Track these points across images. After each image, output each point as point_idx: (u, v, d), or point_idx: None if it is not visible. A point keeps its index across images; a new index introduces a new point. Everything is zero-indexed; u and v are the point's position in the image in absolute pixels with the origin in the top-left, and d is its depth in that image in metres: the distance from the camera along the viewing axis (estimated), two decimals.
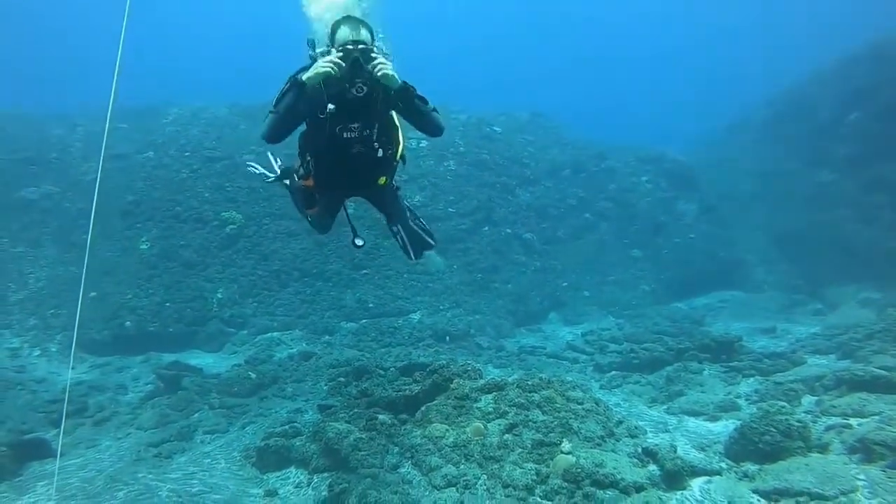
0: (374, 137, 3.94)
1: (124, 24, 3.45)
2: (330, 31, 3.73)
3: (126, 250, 12.96)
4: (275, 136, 3.86)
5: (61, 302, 12.10)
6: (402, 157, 4.26)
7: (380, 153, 3.97)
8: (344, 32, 3.64)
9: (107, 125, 4.49)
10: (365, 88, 3.68)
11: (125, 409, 8.87)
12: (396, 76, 3.68)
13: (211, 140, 16.02)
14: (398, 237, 4.96)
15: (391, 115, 4.05)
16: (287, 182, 4.93)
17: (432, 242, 5.05)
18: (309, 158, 4.18)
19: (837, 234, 13.27)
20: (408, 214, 4.95)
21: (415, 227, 4.95)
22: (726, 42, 49.10)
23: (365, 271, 13.40)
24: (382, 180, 4.23)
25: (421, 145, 16.62)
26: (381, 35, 3.84)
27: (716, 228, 16.10)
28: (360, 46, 3.61)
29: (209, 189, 14.30)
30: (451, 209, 15.04)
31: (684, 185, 17.58)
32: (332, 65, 3.56)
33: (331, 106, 3.67)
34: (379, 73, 3.61)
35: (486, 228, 15.07)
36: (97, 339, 11.28)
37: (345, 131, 3.87)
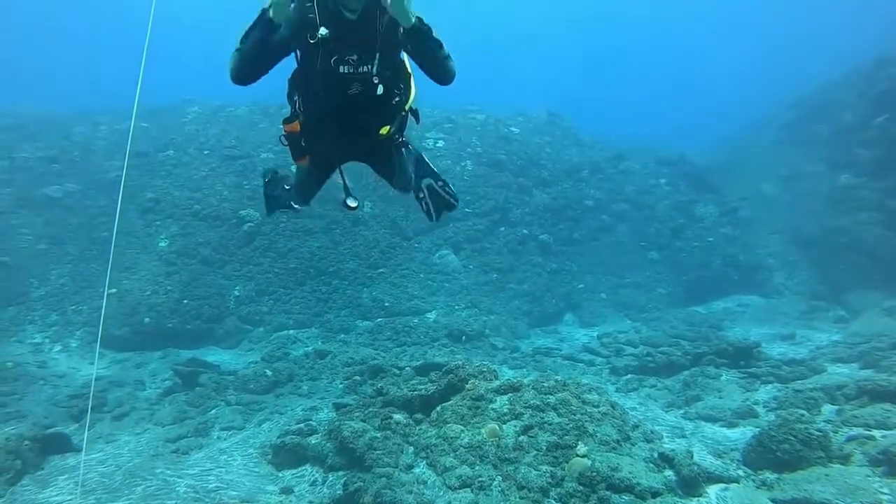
0: (374, 72, 3.29)
1: (149, 26, 3.37)
2: None
3: (145, 247, 13.12)
4: (242, 75, 3.34)
5: (83, 298, 12.27)
6: (413, 110, 3.70)
7: (380, 90, 3.33)
8: None
9: (132, 123, 4.48)
10: (358, 9, 3.10)
11: (143, 405, 8.98)
12: (410, 10, 3.08)
13: (230, 139, 16.16)
14: (421, 200, 4.43)
15: (399, 53, 3.48)
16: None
17: (455, 203, 4.45)
18: (297, 98, 3.57)
19: (861, 240, 13.04)
20: (425, 173, 4.40)
21: (437, 188, 4.39)
22: (747, 43, 48.51)
23: (381, 270, 13.44)
24: (385, 130, 3.54)
25: (438, 145, 16.65)
26: None
27: (735, 231, 15.89)
28: None
29: (228, 187, 14.43)
30: (467, 209, 15.02)
31: (703, 188, 17.40)
32: None
33: (323, 30, 3.08)
34: (388, 1, 3.05)
35: (503, 229, 15.04)
36: (116, 335, 11.42)
37: (341, 64, 3.24)
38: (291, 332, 12.00)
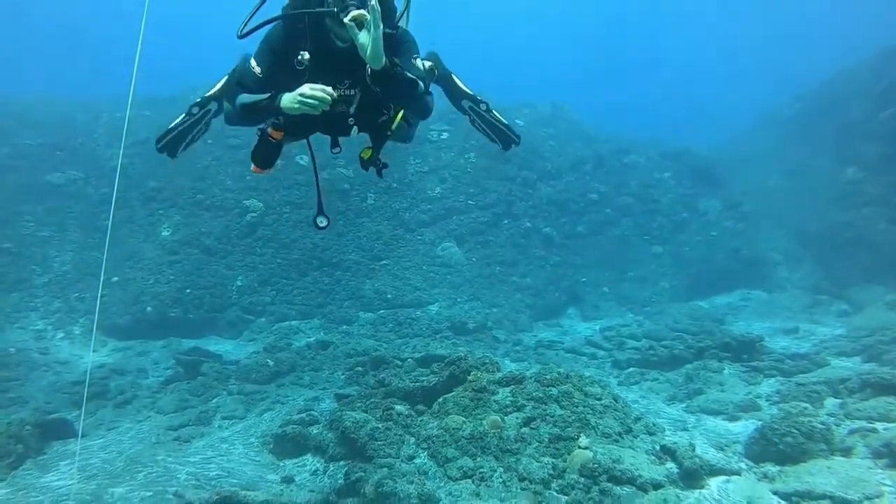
0: (354, 103, 3.15)
1: (145, 14, 3.30)
2: None
3: (148, 236, 13.11)
4: (238, 126, 3.31)
5: (85, 286, 12.28)
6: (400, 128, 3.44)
7: (354, 131, 3.25)
8: None
9: (128, 112, 4.37)
10: (350, 38, 2.86)
11: (145, 393, 8.99)
12: (380, 52, 2.79)
13: (233, 128, 16.08)
14: (476, 126, 4.21)
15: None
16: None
17: (516, 138, 4.21)
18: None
19: (865, 234, 12.98)
20: (460, 95, 4.13)
21: (481, 112, 4.14)
22: (752, 37, 48.26)
23: (384, 262, 13.43)
24: (367, 154, 3.41)
25: (442, 137, 16.59)
26: None
27: (739, 226, 15.84)
28: None
29: (231, 177, 14.40)
30: (470, 202, 14.99)
31: (708, 182, 17.32)
32: (318, 97, 2.84)
33: (305, 55, 2.97)
34: (359, 40, 2.77)
35: (506, 222, 15.00)
36: (119, 323, 11.44)
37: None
38: (294, 322, 12.01)
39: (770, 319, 12.05)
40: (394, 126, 3.38)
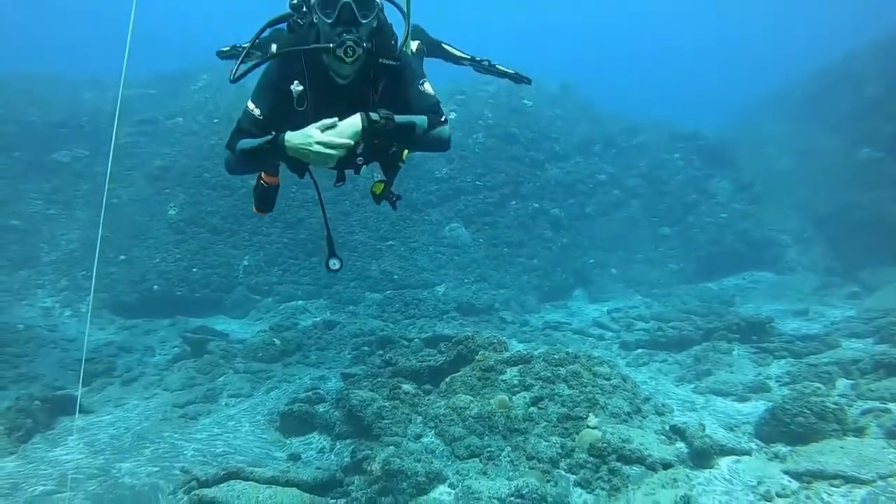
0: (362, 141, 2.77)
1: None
2: None
3: (154, 215, 13.08)
4: (238, 174, 3.10)
5: (92, 264, 12.27)
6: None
7: (362, 170, 3.01)
8: None
9: (120, 92, 4.19)
10: (351, 74, 2.75)
11: (152, 371, 9.01)
12: (359, 125, 2.62)
13: (240, 107, 15.97)
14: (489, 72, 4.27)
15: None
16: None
17: (525, 79, 4.25)
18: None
19: (878, 216, 12.76)
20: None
21: (486, 68, 4.21)
22: (765, 14, 47.47)
23: (390, 242, 13.36)
24: (378, 188, 3.20)
25: (450, 117, 16.37)
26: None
27: (749, 207, 15.64)
28: None
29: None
30: (478, 182, 14.86)
31: (718, 163, 17.10)
32: (336, 145, 2.57)
33: (298, 86, 2.78)
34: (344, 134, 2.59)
35: (514, 203, 14.88)
36: (126, 301, 11.46)
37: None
38: (300, 302, 11.99)
39: (779, 301, 11.92)
40: (405, 157, 3.25)
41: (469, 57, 4.21)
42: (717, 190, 16.23)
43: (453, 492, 5.04)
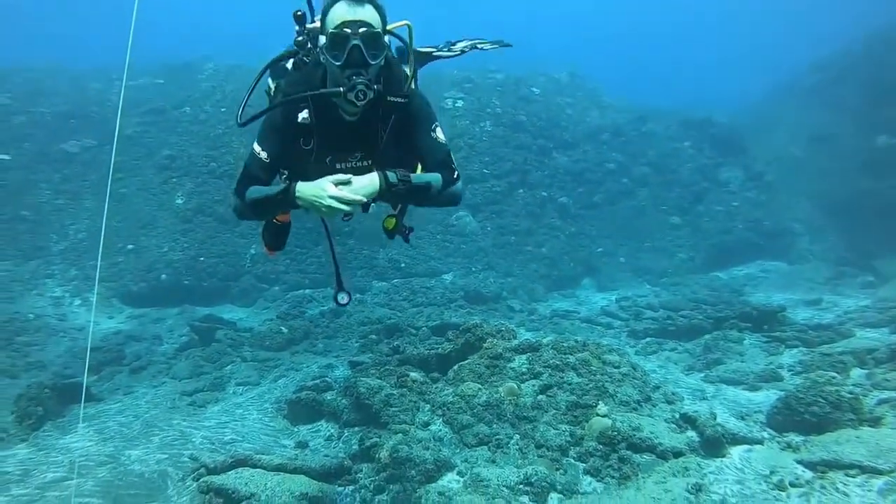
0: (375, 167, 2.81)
1: None
2: (322, 12, 2.67)
3: (162, 204, 13.08)
4: (250, 220, 3.00)
5: (101, 254, 12.32)
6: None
7: (373, 206, 2.82)
8: (340, 9, 2.56)
9: (123, 82, 4.08)
10: (359, 111, 2.68)
11: (160, 359, 9.04)
12: (376, 185, 2.58)
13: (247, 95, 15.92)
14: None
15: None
16: None
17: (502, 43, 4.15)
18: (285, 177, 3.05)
19: (893, 203, 12.55)
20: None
21: (467, 50, 4.13)
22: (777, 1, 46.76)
23: None
24: (391, 223, 3.07)
25: (457, 105, 16.31)
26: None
27: (760, 196, 15.46)
28: (362, 31, 2.51)
29: (245, 145, 14.23)
30: (486, 170, 14.76)
31: (729, 151, 16.89)
32: (348, 201, 2.51)
33: (305, 120, 2.72)
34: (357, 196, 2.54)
35: (522, 191, 14.77)
36: (134, 290, 11.48)
37: (338, 162, 2.84)
38: (307, 291, 11.96)
39: (791, 291, 11.78)
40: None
41: (455, 56, 4.14)
42: (728, 178, 16.05)
43: (462, 479, 5.01)
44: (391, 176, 2.60)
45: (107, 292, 11.57)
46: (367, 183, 2.57)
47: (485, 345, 6.84)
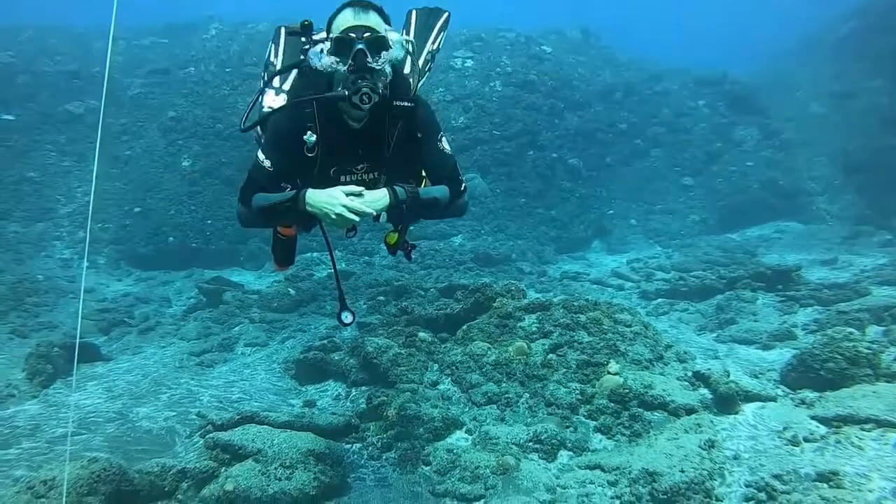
0: (381, 179, 2.89)
1: None
2: (327, 21, 2.72)
3: (168, 167, 12.96)
4: (256, 227, 3.01)
5: (108, 216, 12.28)
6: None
7: (382, 217, 2.78)
8: (345, 16, 2.60)
9: (108, 47, 3.76)
10: (364, 117, 2.68)
11: (169, 321, 9.05)
12: (385, 201, 2.64)
13: (252, 56, 15.63)
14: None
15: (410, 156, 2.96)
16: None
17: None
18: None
19: None
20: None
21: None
22: None
23: None
24: (392, 239, 3.14)
25: (466, 65, 15.95)
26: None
27: (777, 155, 15.10)
28: (367, 35, 2.54)
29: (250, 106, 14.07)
30: (495, 132, 14.47)
31: (746, 109, 16.48)
32: (352, 215, 2.53)
33: (311, 136, 2.68)
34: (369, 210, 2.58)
35: (532, 152, 14.49)
36: (142, 253, 11.47)
37: (342, 174, 2.84)
38: (315, 254, 11.87)
39: (806, 251, 11.56)
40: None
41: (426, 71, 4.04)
42: (745, 137, 15.69)
43: (470, 437, 4.97)
44: (400, 193, 2.67)
45: (115, 255, 11.57)
46: (377, 197, 2.62)
47: (494, 304, 6.75)
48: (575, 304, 6.44)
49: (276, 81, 3.23)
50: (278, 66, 3.29)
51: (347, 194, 2.57)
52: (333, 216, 2.54)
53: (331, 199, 2.55)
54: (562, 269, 11.84)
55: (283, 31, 3.41)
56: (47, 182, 12.65)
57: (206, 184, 12.60)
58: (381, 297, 9.38)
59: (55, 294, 9.71)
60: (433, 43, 4.09)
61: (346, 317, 3.49)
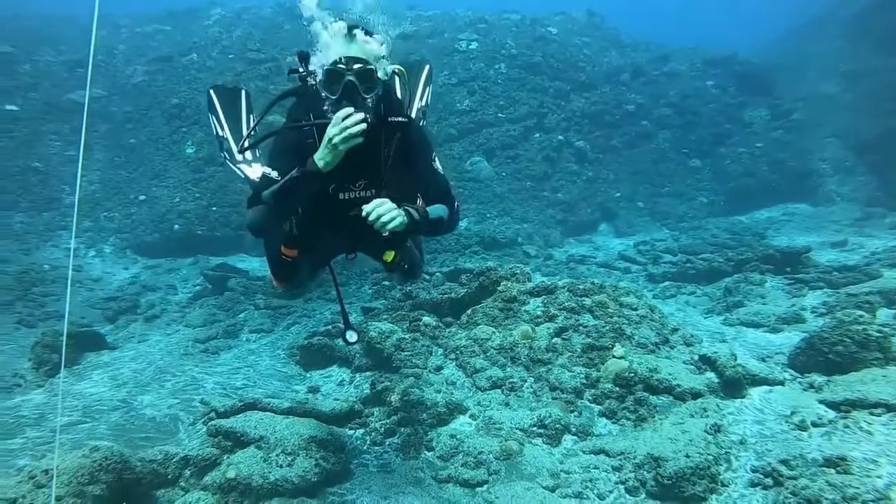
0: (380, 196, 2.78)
1: None
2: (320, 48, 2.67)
3: (172, 154, 12.95)
4: (265, 230, 2.96)
5: (113, 205, 12.31)
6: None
7: (385, 232, 2.67)
8: (336, 46, 2.60)
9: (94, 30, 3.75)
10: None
11: (174, 308, 9.05)
12: (402, 219, 2.61)
13: (254, 42, 15.54)
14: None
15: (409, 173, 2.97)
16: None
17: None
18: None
19: None
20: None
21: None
22: None
23: None
24: (390, 257, 3.08)
25: (471, 47, 15.78)
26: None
27: (787, 136, 14.86)
28: (357, 66, 2.56)
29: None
30: (501, 114, 14.35)
31: (755, 90, 16.23)
32: (351, 123, 2.49)
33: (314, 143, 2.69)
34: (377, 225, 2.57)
35: (538, 135, 14.36)
36: (148, 241, 11.47)
37: (341, 191, 2.85)
38: None
39: (816, 233, 11.40)
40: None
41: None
42: (754, 118, 15.46)
43: (474, 422, 4.94)
44: (413, 213, 2.69)
45: (121, 243, 11.58)
46: (395, 214, 2.60)
47: (499, 288, 6.69)
48: (580, 287, 6.37)
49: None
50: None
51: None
52: (336, 139, 2.50)
53: (327, 136, 2.53)
54: (568, 252, 11.75)
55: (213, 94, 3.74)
56: (52, 172, 12.65)
57: (210, 171, 12.56)
58: (386, 283, 9.34)
59: (62, 284, 9.72)
60: (420, 100, 4.03)
61: (351, 336, 3.53)
